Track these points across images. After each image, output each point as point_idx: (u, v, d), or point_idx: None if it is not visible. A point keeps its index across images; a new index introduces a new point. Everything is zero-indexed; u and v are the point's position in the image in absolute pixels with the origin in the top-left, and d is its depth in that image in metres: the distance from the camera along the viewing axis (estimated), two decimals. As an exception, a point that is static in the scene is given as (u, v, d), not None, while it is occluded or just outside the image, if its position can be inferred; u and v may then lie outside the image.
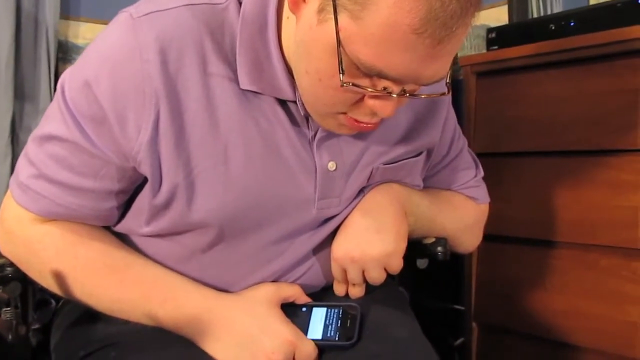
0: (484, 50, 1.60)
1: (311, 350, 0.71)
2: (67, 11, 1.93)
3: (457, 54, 2.01)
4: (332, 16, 0.59)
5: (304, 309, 0.78)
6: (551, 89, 1.38)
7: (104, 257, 0.75)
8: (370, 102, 0.66)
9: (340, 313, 0.77)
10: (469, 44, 2.03)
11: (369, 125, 0.70)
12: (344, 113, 0.68)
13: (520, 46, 1.43)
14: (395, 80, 0.62)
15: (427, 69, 0.61)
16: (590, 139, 1.31)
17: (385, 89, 0.63)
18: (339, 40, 0.60)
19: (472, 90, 1.54)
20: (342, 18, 0.59)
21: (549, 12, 1.69)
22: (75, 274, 0.74)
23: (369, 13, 0.57)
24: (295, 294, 0.79)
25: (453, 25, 0.57)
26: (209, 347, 0.72)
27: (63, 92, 0.71)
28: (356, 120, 0.69)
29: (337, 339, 0.74)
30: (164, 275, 0.76)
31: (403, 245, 0.80)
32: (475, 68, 1.53)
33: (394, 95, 0.64)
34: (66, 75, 0.72)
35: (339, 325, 0.75)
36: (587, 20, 1.35)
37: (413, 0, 0.55)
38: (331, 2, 0.59)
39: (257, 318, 0.73)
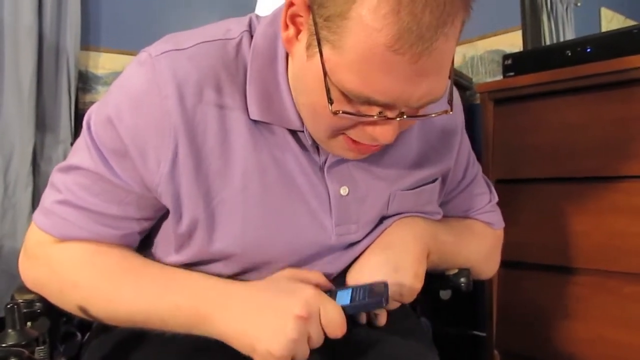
0: (499, 75, 1.60)
1: (338, 309, 0.68)
2: (88, 41, 1.95)
3: (472, 80, 2.03)
4: (318, 50, 0.61)
5: (328, 293, 0.74)
6: (569, 115, 1.38)
7: (121, 262, 0.76)
8: (369, 129, 0.66)
9: (367, 288, 0.74)
10: (484, 69, 2.04)
11: (373, 147, 0.71)
12: (344, 134, 0.69)
13: (537, 73, 1.43)
14: (385, 106, 0.62)
15: (416, 89, 0.60)
16: (609, 166, 1.31)
17: (380, 113, 0.63)
18: (325, 72, 0.61)
19: (489, 117, 1.54)
20: (326, 50, 0.61)
21: (561, 37, 1.69)
22: (93, 281, 0.75)
23: (347, 41, 0.58)
24: (316, 277, 0.76)
25: (431, 37, 0.56)
26: (231, 320, 0.69)
27: (89, 126, 0.75)
28: (354, 142, 0.69)
29: (365, 299, 0.71)
30: (181, 270, 0.75)
31: (418, 285, 0.79)
32: (493, 95, 1.54)
33: (394, 119, 0.64)
34: (92, 111, 0.77)
35: (366, 294, 0.73)
36: (603, 46, 1.36)
37: (383, 18, 0.56)
38: (315, 37, 0.61)
39: (276, 283, 0.72)
